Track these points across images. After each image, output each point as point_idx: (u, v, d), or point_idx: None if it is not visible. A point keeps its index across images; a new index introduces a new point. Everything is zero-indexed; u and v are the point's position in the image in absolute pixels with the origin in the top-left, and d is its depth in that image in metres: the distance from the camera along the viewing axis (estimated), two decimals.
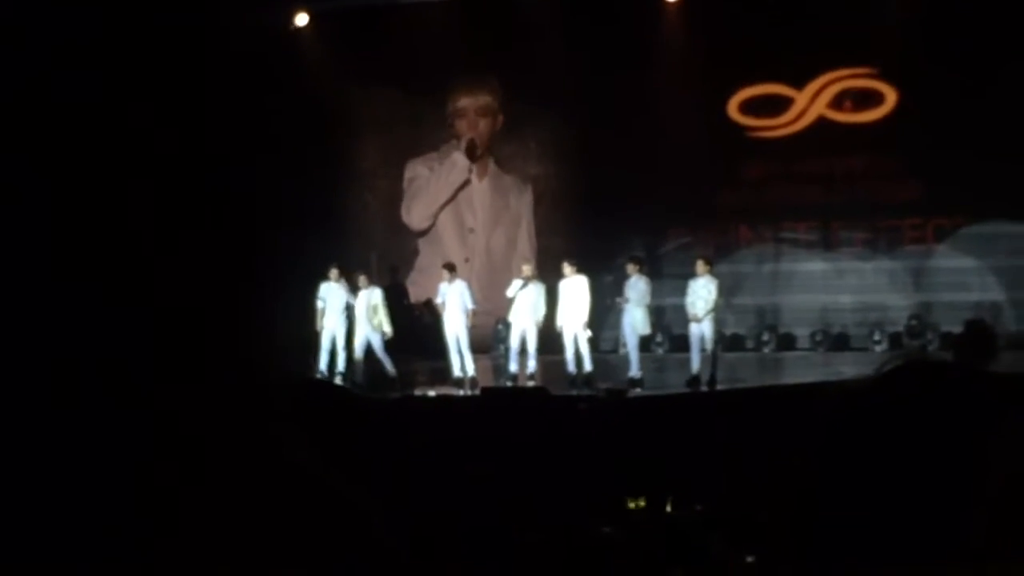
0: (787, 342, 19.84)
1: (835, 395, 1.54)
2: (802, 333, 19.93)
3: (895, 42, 18.62)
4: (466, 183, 21.99)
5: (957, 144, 17.99)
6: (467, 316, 16.69)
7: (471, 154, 21.90)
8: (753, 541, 4.18)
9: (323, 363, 16.90)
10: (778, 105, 20.57)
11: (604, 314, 16.74)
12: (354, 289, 17.09)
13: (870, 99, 19.99)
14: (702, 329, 15.66)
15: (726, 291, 16.78)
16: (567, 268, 16.13)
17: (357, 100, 21.10)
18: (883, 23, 18.70)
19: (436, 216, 22.06)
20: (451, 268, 17.16)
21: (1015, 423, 1.40)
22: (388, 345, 16.84)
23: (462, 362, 16.61)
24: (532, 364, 16.16)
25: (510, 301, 16.36)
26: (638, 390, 15.31)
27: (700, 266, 15.97)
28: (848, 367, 16.65)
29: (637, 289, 16.06)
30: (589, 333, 16.08)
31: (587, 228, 19.78)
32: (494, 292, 17.62)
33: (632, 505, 5.72)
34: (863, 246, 20.05)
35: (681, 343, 16.54)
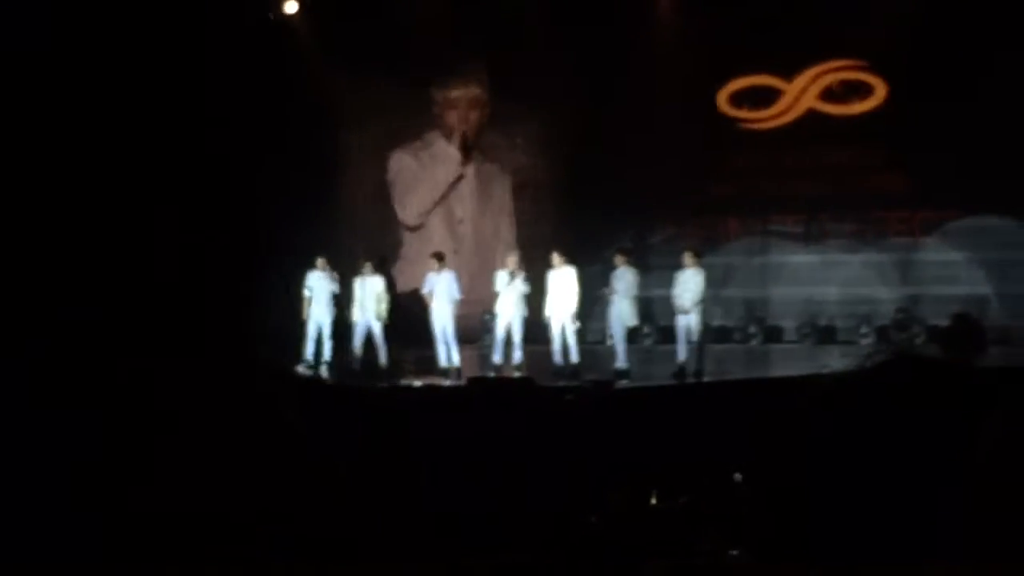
0: (774, 334, 19.87)
1: (821, 389, 1.52)
2: (789, 325, 19.95)
3: (885, 35, 18.62)
4: (459, 178, 21.91)
5: (946, 137, 18.03)
6: (454, 306, 16.69)
7: (464, 149, 21.79)
8: (737, 534, 4.16)
9: (309, 352, 16.90)
10: (767, 97, 20.56)
11: (591, 305, 16.73)
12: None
13: (859, 91, 19.99)
14: (688, 321, 15.68)
15: (714, 283, 16.78)
16: (556, 259, 16.12)
17: (346, 89, 21.02)
18: (873, 16, 18.70)
19: (430, 212, 21.96)
20: (440, 257, 17.14)
21: (1000, 419, 1.38)
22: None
23: (448, 352, 16.61)
24: (518, 355, 16.16)
25: (496, 292, 16.36)
26: (624, 381, 15.32)
27: (688, 258, 15.98)
28: (835, 360, 16.69)
29: (624, 280, 16.07)
30: (578, 324, 16.08)
31: (575, 219, 19.75)
32: (481, 282, 17.57)
33: (617, 497, 5.70)
34: (851, 239, 20.06)
35: (669, 335, 16.55)
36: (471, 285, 17.96)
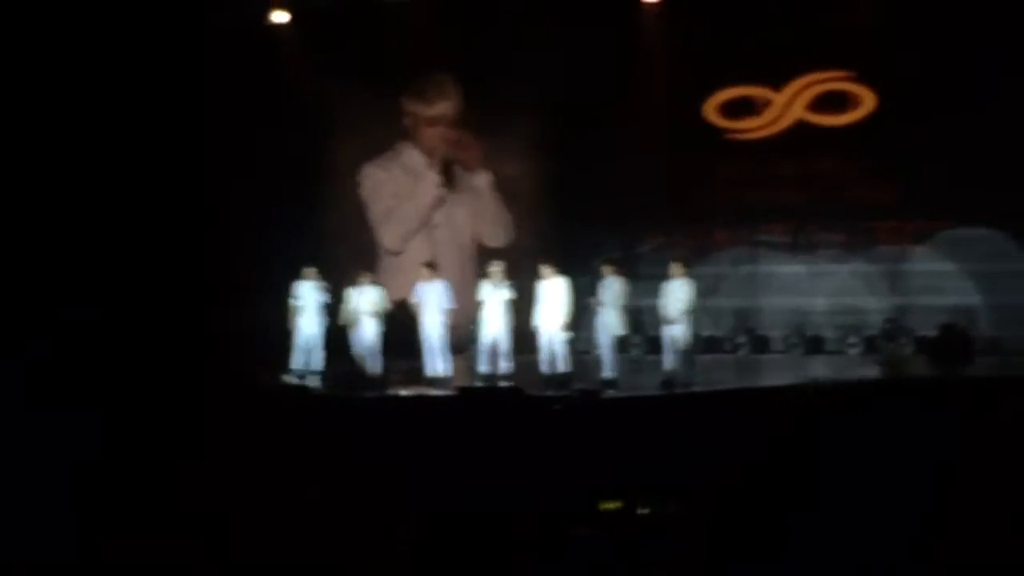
0: (762, 344, 19.87)
1: (808, 398, 1.53)
2: (777, 336, 19.96)
3: (873, 45, 18.69)
4: (440, 200, 21.55)
5: (934, 148, 18.11)
6: (445, 316, 16.68)
7: (446, 172, 21.48)
8: (726, 542, 4.16)
9: (298, 362, 16.86)
10: (756, 107, 20.59)
11: (579, 315, 16.73)
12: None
13: (848, 102, 20.03)
14: (675, 331, 15.68)
15: (702, 293, 16.78)
16: (546, 270, 16.11)
17: (334, 99, 21.00)
18: (861, 26, 18.76)
19: (412, 238, 21.57)
20: (431, 267, 17.12)
21: (987, 428, 1.38)
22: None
23: (437, 361, 16.58)
24: (504, 365, 16.15)
25: (480, 303, 16.36)
26: (612, 391, 15.32)
27: (675, 268, 15.97)
28: (823, 369, 16.70)
29: (612, 290, 16.08)
30: (570, 335, 16.08)
31: (562, 229, 19.75)
32: (463, 292, 17.47)
33: (606, 506, 5.70)
34: (840, 249, 20.08)
35: (657, 345, 16.54)
36: (455, 295, 17.90)
